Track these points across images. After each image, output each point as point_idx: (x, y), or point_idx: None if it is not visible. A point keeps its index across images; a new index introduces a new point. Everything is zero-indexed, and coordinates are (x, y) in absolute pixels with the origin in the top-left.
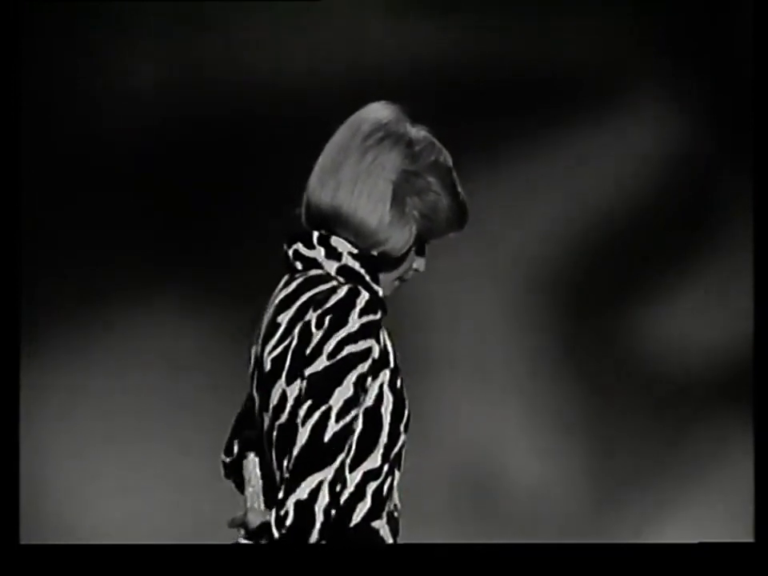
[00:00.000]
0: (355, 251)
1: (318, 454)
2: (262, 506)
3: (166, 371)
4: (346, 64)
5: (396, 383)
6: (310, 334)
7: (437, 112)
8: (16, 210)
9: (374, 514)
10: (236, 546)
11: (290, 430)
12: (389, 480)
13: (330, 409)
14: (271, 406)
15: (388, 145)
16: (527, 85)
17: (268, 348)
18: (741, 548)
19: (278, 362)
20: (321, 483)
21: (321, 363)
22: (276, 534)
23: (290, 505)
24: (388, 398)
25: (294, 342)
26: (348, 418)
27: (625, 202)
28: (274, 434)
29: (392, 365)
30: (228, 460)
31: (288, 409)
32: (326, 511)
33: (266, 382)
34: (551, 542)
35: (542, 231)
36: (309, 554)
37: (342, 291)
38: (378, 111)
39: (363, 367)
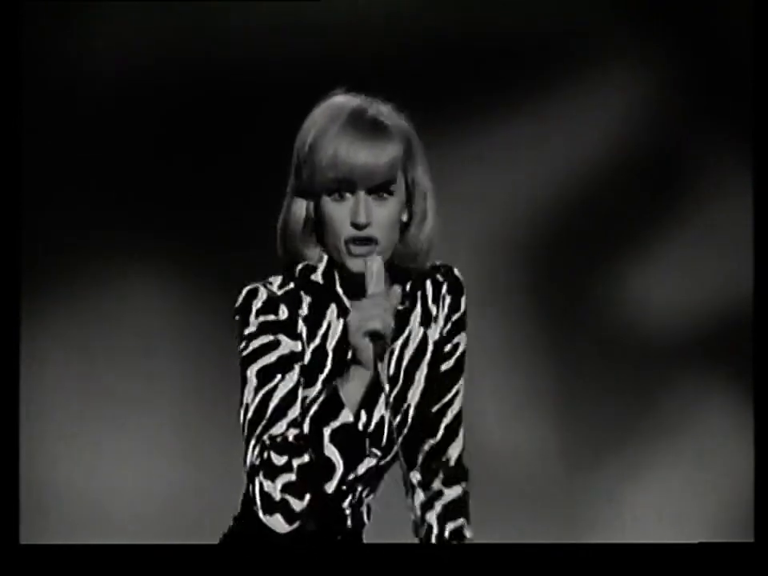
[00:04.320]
0: None
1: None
2: None
3: (173, 362)
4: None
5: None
6: None
7: (410, 84)
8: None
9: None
10: (236, 547)
11: None
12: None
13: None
14: None
15: None
16: (515, 55)
17: None
18: (741, 548)
19: None
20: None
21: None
22: None
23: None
24: None
25: None
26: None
27: (612, 169)
28: None
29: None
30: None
31: None
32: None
33: None
34: (523, 506)
35: (523, 201)
36: (307, 554)
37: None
38: None
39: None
